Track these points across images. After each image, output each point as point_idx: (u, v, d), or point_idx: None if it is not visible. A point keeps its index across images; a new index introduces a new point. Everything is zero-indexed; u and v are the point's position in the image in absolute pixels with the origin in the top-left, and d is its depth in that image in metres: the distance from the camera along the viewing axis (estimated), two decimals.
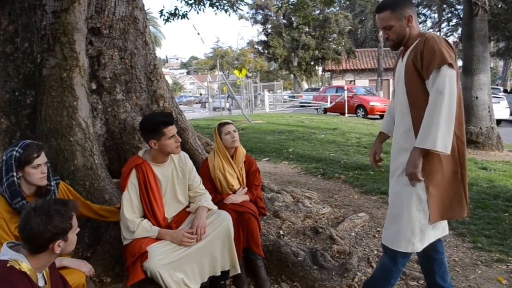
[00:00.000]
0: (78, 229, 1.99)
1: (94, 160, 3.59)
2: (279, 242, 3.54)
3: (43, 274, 1.96)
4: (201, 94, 60.41)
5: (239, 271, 3.00)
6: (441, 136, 2.21)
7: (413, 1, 2.64)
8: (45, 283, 1.96)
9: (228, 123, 3.46)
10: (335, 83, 34.43)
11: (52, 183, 2.70)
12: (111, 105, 4.12)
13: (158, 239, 2.76)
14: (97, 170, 3.56)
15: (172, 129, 2.82)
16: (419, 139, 2.30)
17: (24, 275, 1.79)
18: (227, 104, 26.86)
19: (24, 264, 1.82)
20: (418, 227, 2.40)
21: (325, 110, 22.24)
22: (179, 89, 70.45)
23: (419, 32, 2.47)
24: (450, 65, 2.24)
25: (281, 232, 3.98)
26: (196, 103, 45.28)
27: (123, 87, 4.19)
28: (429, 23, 43.30)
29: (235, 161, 3.49)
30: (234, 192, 3.45)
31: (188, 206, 3.08)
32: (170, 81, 70.89)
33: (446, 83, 2.22)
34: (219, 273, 2.91)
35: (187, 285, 2.71)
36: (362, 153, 8.65)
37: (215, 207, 3.06)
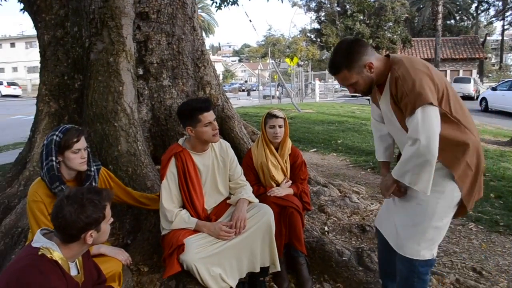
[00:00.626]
0: (111, 220, 1.92)
1: (138, 146, 3.56)
2: (323, 239, 3.37)
3: (76, 263, 1.92)
4: (246, 82, 60.13)
5: (279, 269, 2.86)
6: (416, 179, 2.10)
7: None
8: (78, 273, 1.91)
9: (277, 117, 3.25)
10: None
11: (93, 169, 2.66)
12: (157, 91, 4.07)
13: (196, 231, 2.67)
14: (140, 156, 3.53)
15: (208, 116, 2.70)
16: (395, 169, 2.20)
17: (55, 264, 1.74)
18: (277, 93, 26.65)
19: (56, 253, 1.77)
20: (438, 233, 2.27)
21: None
22: (230, 77, 70.93)
23: (386, 65, 2.20)
24: (430, 104, 2.00)
25: (326, 228, 3.80)
26: (241, 90, 45.18)
27: (170, 73, 4.13)
28: (492, 11, 40.99)
29: (280, 153, 3.33)
30: (278, 185, 3.30)
31: (228, 198, 2.98)
32: (222, 68, 71.54)
33: (423, 127, 2.00)
34: (258, 270, 2.79)
35: (224, 280, 2.61)
36: None
37: (256, 200, 2.93)
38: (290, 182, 3.33)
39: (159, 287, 2.69)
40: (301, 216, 3.14)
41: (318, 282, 3.10)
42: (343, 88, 30.29)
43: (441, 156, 2.06)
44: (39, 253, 1.73)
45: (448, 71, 33.94)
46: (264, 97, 27.84)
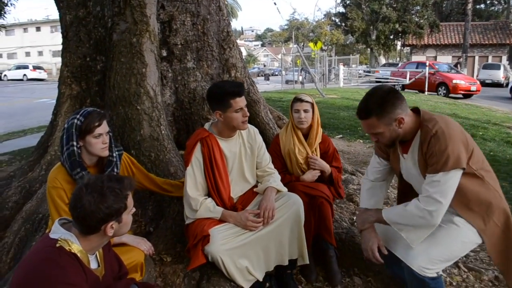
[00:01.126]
0: (133, 210, 1.79)
1: (161, 130, 3.44)
2: (353, 230, 3.21)
3: (96, 256, 1.80)
4: (264, 66, 59.49)
5: (308, 262, 2.72)
6: (411, 234, 2.16)
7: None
8: (98, 266, 1.80)
9: (302, 100, 3.08)
10: (415, 58, 32.50)
11: (115, 154, 2.54)
12: (181, 73, 3.94)
13: (221, 221, 2.54)
14: (164, 141, 3.41)
15: (240, 102, 2.53)
16: (391, 213, 2.28)
17: (74, 256, 1.63)
18: (300, 77, 26.30)
19: (75, 245, 1.65)
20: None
21: (403, 87, 21.07)
22: (253, 61, 70.46)
23: (416, 122, 2.16)
24: (456, 169, 2.03)
25: (355, 218, 3.62)
26: (260, 75, 44.75)
27: (194, 54, 3.98)
28: None
29: (308, 141, 3.15)
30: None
31: (255, 186, 2.83)
32: (244, 53, 70.99)
33: (442, 191, 2.04)
34: (286, 263, 2.65)
35: (251, 273, 2.49)
36: None
37: (285, 189, 2.78)
38: (319, 172, 3.16)
39: (182, 278, 2.58)
40: (331, 206, 2.99)
41: (348, 276, 2.95)
42: (367, 74, 29.73)
43: (465, 213, 2.13)
44: (57, 245, 1.61)
45: (477, 57, 32.89)
46: (287, 82, 27.51)
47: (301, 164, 3.12)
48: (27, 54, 52.24)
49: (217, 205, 2.59)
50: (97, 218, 1.61)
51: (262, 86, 26.82)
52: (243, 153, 2.74)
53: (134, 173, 2.76)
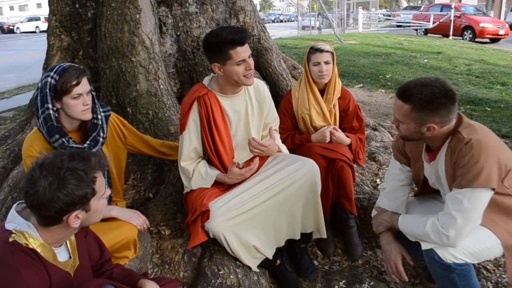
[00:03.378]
0: (108, 192, 1.45)
1: (159, 84, 3.06)
2: (376, 195, 2.83)
3: (66, 246, 1.48)
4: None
5: (325, 236, 2.39)
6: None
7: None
8: (70, 257, 1.48)
9: (322, 50, 2.63)
10: (439, 0, 30.78)
11: (100, 116, 2.19)
12: (183, 19, 3.49)
13: (222, 189, 2.20)
14: (162, 96, 3.04)
15: (241, 52, 2.09)
16: (406, 222, 1.97)
17: (31, 253, 1.31)
18: (317, 23, 25.23)
19: (33, 239, 1.33)
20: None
21: (426, 31, 20.01)
22: (268, 7, 68.18)
23: (449, 130, 1.82)
24: (484, 188, 1.70)
25: (378, 181, 3.25)
26: (276, 21, 43.32)
27: None
28: None
29: (325, 98, 2.73)
30: None
31: None
32: None
33: (465, 211, 1.72)
34: (298, 237, 2.32)
35: (259, 250, 2.17)
36: (474, 84, 7.37)
37: (286, 151, 2.44)
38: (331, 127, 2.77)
39: (182, 255, 2.28)
40: (353, 170, 2.61)
41: (370, 248, 2.63)
42: (387, 18, 28.40)
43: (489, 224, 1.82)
44: (10, 239, 1.29)
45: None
46: (303, 28, 26.48)
47: (316, 127, 2.73)
48: (38, 5, 51.37)
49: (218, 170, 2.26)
50: (55, 208, 1.27)
51: (278, 32, 25.90)
52: (250, 112, 2.34)
53: (126, 136, 2.42)
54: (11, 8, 52.83)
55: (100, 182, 1.37)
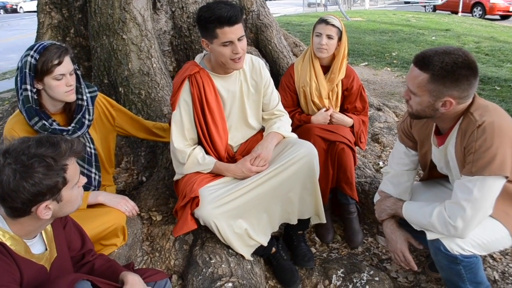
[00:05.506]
0: (84, 180, 1.34)
1: (152, 63, 2.93)
2: (378, 179, 2.72)
3: (41, 237, 1.38)
4: None
5: (325, 221, 2.28)
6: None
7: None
8: (46, 249, 1.38)
9: (327, 23, 2.46)
10: None
11: (85, 97, 2.07)
12: None
13: (217, 175, 2.09)
14: (155, 76, 2.92)
15: (229, 33, 1.91)
16: (412, 210, 1.84)
17: (1, 246, 1.21)
18: (323, 0, 24.76)
19: (1, 231, 1.23)
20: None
21: (435, 8, 19.56)
22: None
23: (462, 109, 1.67)
24: (497, 175, 1.56)
25: (381, 163, 3.13)
26: None
27: None
28: None
29: (329, 76, 2.58)
30: None
31: (263, 131, 2.34)
32: None
33: (475, 201, 1.58)
34: (294, 222, 2.21)
35: (252, 237, 2.06)
36: (483, 62, 7.15)
37: (293, 136, 2.28)
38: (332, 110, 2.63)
39: (173, 242, 2.18)
40: (354, 153, 2.49)
41: (371, 235, 2.52)
42: None
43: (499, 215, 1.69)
44: None
45: None
46: (309, 5, 25.98)
47: (316, 103, 2.59)
48: None
49: (210, 156, 2.13)
50: (22, 199, 1.16)
51: (284, 9, 25.45)
52: (245, 92, 2.21)
53: (114, 117, 2.31)
54: None
55: (73, 170, 1.26)
